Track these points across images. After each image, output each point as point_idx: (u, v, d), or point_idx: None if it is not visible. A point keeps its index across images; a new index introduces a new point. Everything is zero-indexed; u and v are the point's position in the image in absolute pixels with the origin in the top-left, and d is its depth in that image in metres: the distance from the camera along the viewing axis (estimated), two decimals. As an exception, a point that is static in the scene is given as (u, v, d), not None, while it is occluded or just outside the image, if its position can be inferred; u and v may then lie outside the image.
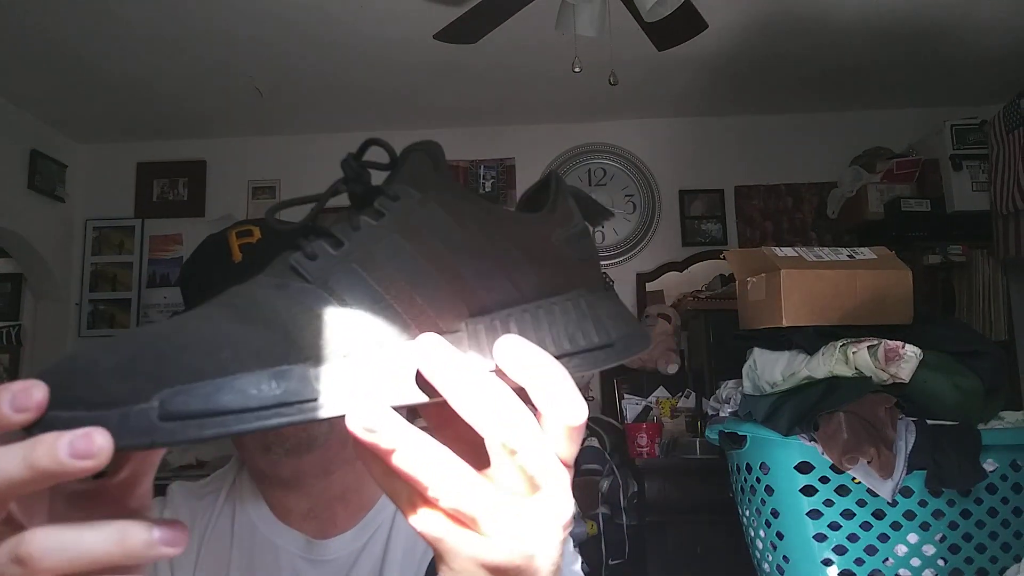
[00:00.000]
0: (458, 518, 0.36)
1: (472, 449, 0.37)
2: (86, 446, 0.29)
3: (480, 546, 0.36)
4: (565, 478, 0.37)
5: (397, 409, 0.35)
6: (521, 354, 0.36)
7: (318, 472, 0.83)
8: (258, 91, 3.52)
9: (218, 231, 0.88)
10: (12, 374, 4.05)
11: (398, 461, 0.34)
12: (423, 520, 0.37)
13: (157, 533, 0.32)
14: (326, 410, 0.33)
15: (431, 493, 0.35)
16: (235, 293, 0.37)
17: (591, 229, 0.49)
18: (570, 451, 0.37)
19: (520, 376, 0.36)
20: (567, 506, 0.37)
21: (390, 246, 0.38)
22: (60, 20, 2.87)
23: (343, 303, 0.36)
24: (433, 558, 0.83)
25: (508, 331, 0.38)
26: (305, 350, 0.34)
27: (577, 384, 0.37)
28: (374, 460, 0.36)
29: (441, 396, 0.35)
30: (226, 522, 0.87)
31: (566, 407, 0.36)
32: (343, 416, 0.34)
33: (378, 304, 0.36)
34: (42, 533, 0.31)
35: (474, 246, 0.40)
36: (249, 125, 3.96)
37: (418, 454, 0.34)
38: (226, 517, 0.87)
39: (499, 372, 0.36)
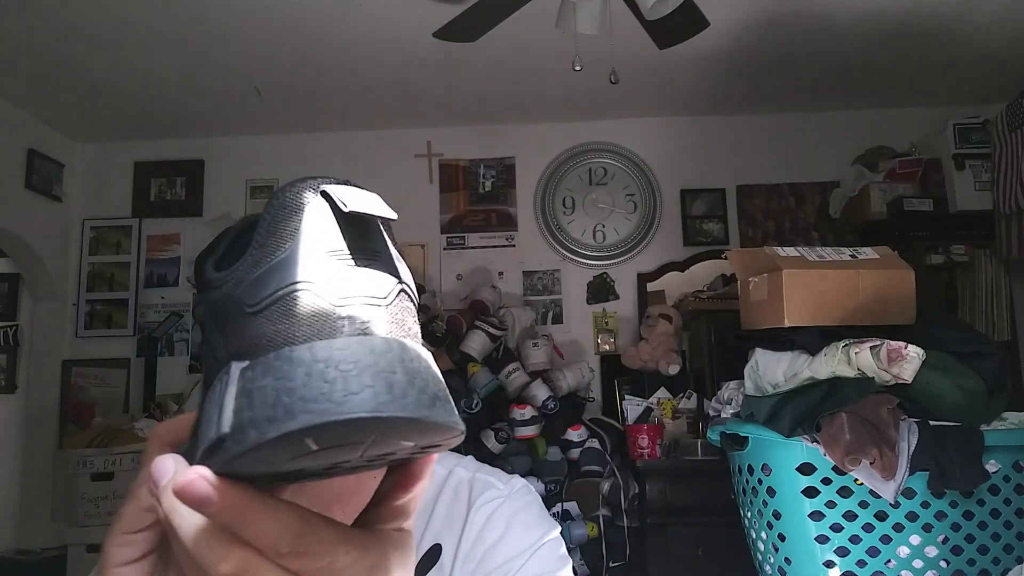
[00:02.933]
0: None
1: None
2: None
3: None
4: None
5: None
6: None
7: None
8: (256, 90, 3.51)
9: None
10: (10, 374, 4.03)
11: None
12: None
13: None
14: None
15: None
16: None
17: (284, 247, 0.32)
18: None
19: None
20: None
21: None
22: (56, 19, 2.86)
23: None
24: (423, 555, 0.82)
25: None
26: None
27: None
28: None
29: None
30: None
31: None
32: None
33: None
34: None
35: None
36: (247, 124, 3.95)
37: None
38: None
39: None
